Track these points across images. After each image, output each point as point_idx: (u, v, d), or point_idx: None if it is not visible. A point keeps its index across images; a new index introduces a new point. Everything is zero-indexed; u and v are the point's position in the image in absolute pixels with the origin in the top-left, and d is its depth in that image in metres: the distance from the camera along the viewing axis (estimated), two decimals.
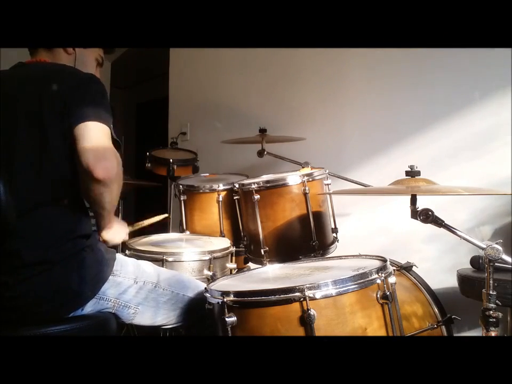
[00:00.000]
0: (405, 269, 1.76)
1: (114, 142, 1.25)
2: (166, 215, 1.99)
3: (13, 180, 1.18)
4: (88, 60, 1.48)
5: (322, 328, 1.02)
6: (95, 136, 1.18)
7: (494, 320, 1.06)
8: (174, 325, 1.41)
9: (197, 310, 1.37)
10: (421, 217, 1.17)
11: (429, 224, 1.18)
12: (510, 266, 1.09)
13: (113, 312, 1.30)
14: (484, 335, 1.08)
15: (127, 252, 1.72)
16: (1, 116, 1.25)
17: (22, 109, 1.25)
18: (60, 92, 1.24)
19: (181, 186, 2.14)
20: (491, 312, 1.06)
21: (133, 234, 1.96)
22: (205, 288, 1.20)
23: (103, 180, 1.16)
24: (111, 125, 1.25)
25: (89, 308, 1.26)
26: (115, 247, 1.42)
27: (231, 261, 1.82)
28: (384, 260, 1.23)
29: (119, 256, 1.36)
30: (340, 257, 1.45)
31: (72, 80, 1.27)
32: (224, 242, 1.85)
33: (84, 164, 1.15)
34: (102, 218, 1.32)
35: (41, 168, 1.22)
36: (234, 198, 2.03)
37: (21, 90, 1.27)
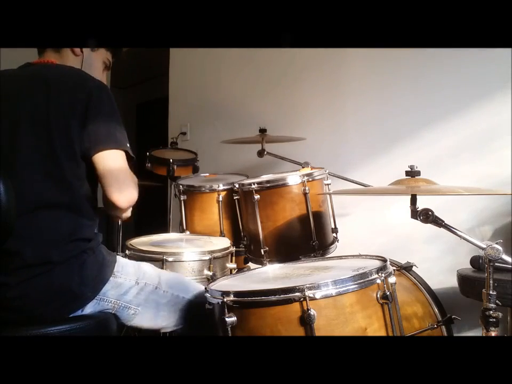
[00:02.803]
0: (405, 269, 1.76)
1: (130, 158, 1.31)
2: None
3: (15, 180, 1.17)
4: (96, 63, 1.47)
5: (322, 328, 1.02)
6: (114, 165, 1.26)
7: (494, 320, 1.06)
8: (174, 328, 1.41)
9: (196, 313, 1.37)
10: (421, 217, 1.17)
11: (429, 224, 1.18)
12: (510, 266, 1.09)
13: (113, 313, 1.30)
14: (484, 335, 1.08)
15: (127, 251, 1.72)
16: (5, 115, 1.25)
17: (26, 110, 1.24)
18: (68, 99, 1.24)
19: (181, 186, 2.14)
20: (491, 312, 1.06)
21: (133, 234, 1.97)
22: (205, 288, 1.20)
23: (126, 208, 1.30)
24: (127, 144, 1.30)
25: (90, 308, 1.26)
26: (114, 249, 1.42)
27: (231, 261, 1.82)
28: (384, 260, 1.23)
29: (119, 258, 1.36)
30: (340, 257, 1.45)
31: (82, 88, 1.27)
32: (224, 242, 1.85)
33: (107, 195, 1.25)
34: None
35: (44, 169, 1.22)
36: (234, 198, 2.03)
37: (26, 91, 1.27)
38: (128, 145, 1.30)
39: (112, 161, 1.26)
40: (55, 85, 1.26)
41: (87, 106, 1.24)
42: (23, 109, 1.25)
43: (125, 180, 1.27)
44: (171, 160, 2.52)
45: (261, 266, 1.63)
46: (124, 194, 1.26)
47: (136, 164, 1.37)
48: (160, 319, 1.37)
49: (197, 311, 1.36)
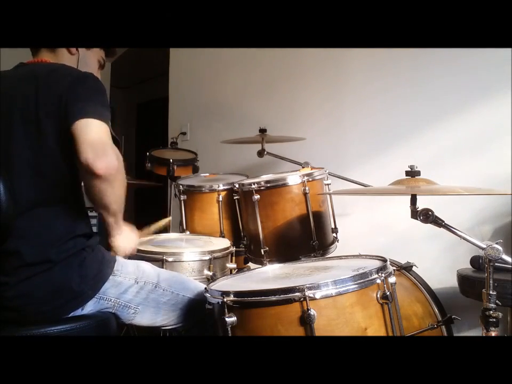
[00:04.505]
0: (405, 269, 1.76)
1: (114, 140, 1.21)
2: (169, 218, 1.98)
3: (12, 179, 1.18)
4: (91, 61, 1.46)
5: (322, 328, 1.02)
6: (93, 132, 1.14)
7: (494, 320, 1.06)
8: (174, 326, 1.41)
9: (196, 311, 1.37)
10: (421, 217, 1.17)
11: (429, 224, 1.18)
12: (510, 266, 1.09)
13: (113, 312, 1.30)
14: (484, 335, 1.08)
15: None
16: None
17: (18, 108, 1.24)
18: (55, 91, 1.23)
19: (181, 186, 2.15)
20: (491, 312, 1.06)
21: None
22: (205, 288, 1.20)
23: (104, 176, 1.12)
24: (109, 122, 1.21)
25: (90, 307, 1.26)
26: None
27: (231, 261, 1.82)
28: (384, 260, 1.23)
29: (119, 257, 1.36)
30: (339, 257, 1.45)
31: (68, 78, 1.25)
32: (224, 242, 1.85)
33: (83, 160, 1.11)
34: (109, 223, 1.26)
35: (39, 167, 1.22)
36: (234, 198, 2.04)
37: (17, 90, 1.27)
38: (110, 124, 1.21)
39: (90, 129, 1.14)
40: (44, 82, 1.25)
41: (70, 91, 1.20)
42: (15, 108, 1.24)
43: (104, 146, 1.14)
44: (171, 160, 2.52)
45: (261, 266, 1.64)
46: (101, 159, 1.11)
47: (121, 146, 1.26)
48: (160, 318, 1.37)
49: (197, 309, 1.36)
